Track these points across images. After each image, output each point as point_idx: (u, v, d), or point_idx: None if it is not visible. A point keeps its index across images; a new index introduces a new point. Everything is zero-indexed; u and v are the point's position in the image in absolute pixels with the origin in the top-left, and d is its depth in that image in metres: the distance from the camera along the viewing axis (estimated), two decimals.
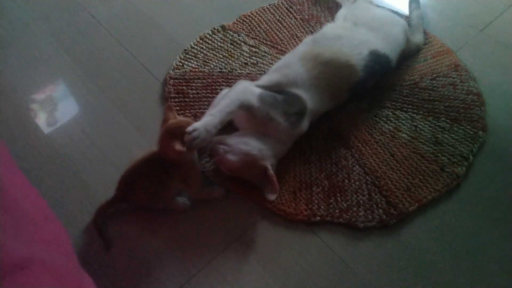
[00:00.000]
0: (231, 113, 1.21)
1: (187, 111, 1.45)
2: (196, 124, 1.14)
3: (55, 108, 1.50)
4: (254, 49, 1.65)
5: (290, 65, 1.36)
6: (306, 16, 1.78)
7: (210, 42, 1.67)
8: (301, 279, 1.15)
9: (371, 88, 1.48)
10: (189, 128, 1.12)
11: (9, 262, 0.72)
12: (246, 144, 1.22)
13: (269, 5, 1.82)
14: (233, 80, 1.53)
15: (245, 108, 1.24)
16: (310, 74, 1.33)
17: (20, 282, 0.71)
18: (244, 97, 1.24)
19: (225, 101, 1.22)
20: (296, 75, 1.33)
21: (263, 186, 1.21)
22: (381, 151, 1.39)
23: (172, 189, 1.21)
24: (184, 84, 1.53)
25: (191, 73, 1.56)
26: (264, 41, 1.69)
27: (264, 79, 1.36)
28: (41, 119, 1.47)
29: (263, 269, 1.17)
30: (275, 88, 1.31)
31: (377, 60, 1.41)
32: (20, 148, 1.37)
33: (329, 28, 1.52)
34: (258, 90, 1.28)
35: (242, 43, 1.67)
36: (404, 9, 1.79)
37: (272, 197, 1.18)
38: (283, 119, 1.25)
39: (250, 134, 1.26)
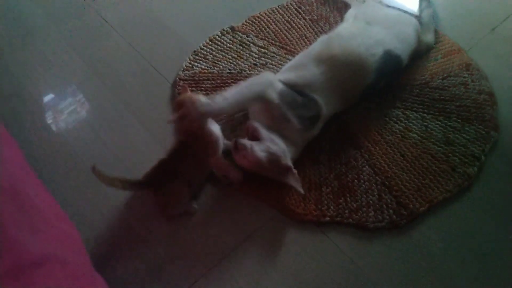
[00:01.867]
0: (247, 102, 1.27)
1: None
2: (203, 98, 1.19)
3: (67, 109, 1.52)
4: (263, 50, 1.66)
5: (305, 66, 1.35)
6: (315, 17, 1.78)
7: (219, 43, 1.68)
8: (310, 279, 1.15)
9: (381, 88, 1.47)
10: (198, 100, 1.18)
11: (27, 259, 0.73)
12: (274, 144, 1.23)
13: (278, 6, 1.82)
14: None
15: (264, 101, 1.25)
16: (324, 77, 1.32)
17: (38, 279, 0.72)
18: (265, 92, 1.24)
19: (245, 90, 1.24)
20: (312, 77, 1.32)
21: (285, 181, 1.22)
22: (391, 151, 1.38)
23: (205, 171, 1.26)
24: (193, 85, 1.54)
25: (201, 74, 1.57)
26: (273, 42, 1.69)
27: (283, 75, 1.35)
28: (54, 120, 1.49)
29: (272, 269, 1.17)
30: (295, 89, 1.31)
31: (390, 61, 1.40)
32: (33, 149, 1.40)
33: (343, 28, 1.50)
34: (280, 86, 1.28)
35: (251, 44, 1.68)
36: (414, 8, 1.77)
37: (302, 190, 1.21)
38: (298, 122, 1.26)
39: (275, 132, 1.27)
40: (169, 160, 1.20)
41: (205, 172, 1.29)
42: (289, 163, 1.22)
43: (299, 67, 1.37)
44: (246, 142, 1.21)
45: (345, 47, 1.36)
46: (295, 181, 1.21)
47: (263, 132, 1.24)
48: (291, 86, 1.31)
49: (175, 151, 1.22)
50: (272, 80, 1.29)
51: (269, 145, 1.21)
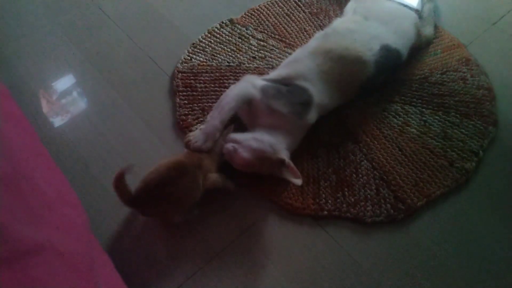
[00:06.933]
0: (232, 109, 1.24)
1: (195, 104, 1.46)
2: (196, 131, 1.25)
3: (65, 102, 1.51)
4: (262, 43, 1.65)
5: (301, 60, 1.36)
6: (315, 10, 1.77)
7: (218, 36, 1.66)
8: (308, 273, 1.16)
9: (381, 83, 1.47)
10: (189, 137, 1.25)
11: (20, 247, 0.73)
12: (257, 141, 1.20)
13: None
14: (241, 74, 1.53)
15: (247, 101, 1.26)
16: (319, 69, 1.33)
17: (31, 267, 0.71)
18: (245, 91, 1.26)
19: (226, 99, 1.26)
20: (305, 69, 1.33)
21: (282, 176, 1.19)
22: (389, 145, 1.38)
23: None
24: (192, 77, 1.53)
25: (199, 67, 1.56)
26: (272, 35, 1.68)
27: (273, 74, 1.37)
28: (51, 113, 1.48)
29: (270, 263, 1.17)
30: (283, 82, 1.31)
31: (388, 55, 1.40)
32: None
33: (339, 23, 1.50)
34: (262, 83, 1.29)
35: (250, 37, 1.67)
36: (414, 2, 1.76)
37: (299, 182, 1.16)
38: (287, 109, 1.24)
39: (259, 130, 1.25)
40: (158, 184, 1.09)
41: (197, 193, 1.17)
42: (281, 156, 1.19)
43: (294, 61, 1.38)
44: (229, 145, 1.20)
45: (341, 42, 1.37)
46: (289, 174, 1.18)
47: (239, 136, 1.22)
48: (282, 80, 1.31)
49: (167, 174, 1.11)
50: (251, 80, 1.30)
51: (250, 144, 1.19)
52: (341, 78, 1.34)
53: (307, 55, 1.36)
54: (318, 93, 1.30)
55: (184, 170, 1.12)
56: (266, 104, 1.24)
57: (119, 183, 1.07)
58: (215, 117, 1.23)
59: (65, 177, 1.08)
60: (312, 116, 1.30)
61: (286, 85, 1.30)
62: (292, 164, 1.18)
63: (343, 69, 1.34)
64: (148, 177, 1.10)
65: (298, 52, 1.42)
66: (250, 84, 1.28)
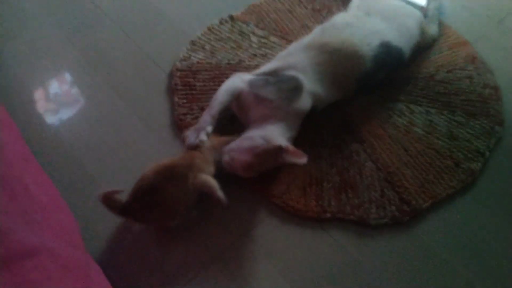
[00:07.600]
0: (221, 103, 1.25)
1: (194, 103, 1.42)
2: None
3: (61, 100, 1.48)
4: (263, 40, 1.61)
5: (294, 53, 1.36)
6: (317, 6, 1.73)
7: (218, 32, 1.63)
8: (310, 276, 1.13)
9: (381, 80, 1.44)
10: (184, 135, 1.27)
11: (17, 249, 0.72)
12: (247, 139, 1.20)
13: None
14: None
15: (235, 95, 1.27)
16: (312, 61, 1.31)
17: (28, 270, 0.71)
18: (233, 85, 1.28)
19: (215, 95, 1.27)
20: (297, 61, 1.32)
21: (287, 162, 1.16)
22: (394, 146, 1.35)
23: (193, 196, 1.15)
24: (191, 76, 1.49)
25: (198, 65, 1.53)
26: (274, 32, 1.64)
27: (264, 67, 1.36)
28: (47, 111, 1.45)
29: (271, 266, 1.15)
30: (273, 74, 1.30)
31: (388, 52, 1.37)
32: (26, 141, 1.35)
33: (339, 17, 1.48)
34: (249, 77, 1.30)
35: (251, 34, 1.63)
36: (420, 0, 1.73)
37: (304, 160, 1.14)
38: (274, 96, 1.23)
39: (252, 126, 1.25)
40: (146, 191, 1.08)
41: (190, 196, 1.14)
42: (276, 142, 1.16)
43: (286, 56, 1.37)
44: (225, 157, 1.18)
45: (338, 36, 1.35)
46: (292, 157, 1.15)
47: (229, 146, 1.20)
48: (268, 73, 1.31)
49: (153, 180, 1.09)
50: (239, 75, 1.32)
51: (242, 145, 1.18)
52: (335, 70, 1.32)
53: (301, 49, 1.35)
54: (309, 81, 1.28)
55: (172, 174, 1.10)
56: (254, 94, 1.24)
57: (107, 201, 1.07)
58: (205, 113, 1.25)
59: (53, 184, 1.06)
60: (303, 102, 1.26)
61: (275, 76, 1.29)
62: (290, 146, 1.16)
63: (338, 62, 1.32)
64: (136, 184, 1.09)
65: (293, 46, 1.41)
66: (238, 79, 1.30)
